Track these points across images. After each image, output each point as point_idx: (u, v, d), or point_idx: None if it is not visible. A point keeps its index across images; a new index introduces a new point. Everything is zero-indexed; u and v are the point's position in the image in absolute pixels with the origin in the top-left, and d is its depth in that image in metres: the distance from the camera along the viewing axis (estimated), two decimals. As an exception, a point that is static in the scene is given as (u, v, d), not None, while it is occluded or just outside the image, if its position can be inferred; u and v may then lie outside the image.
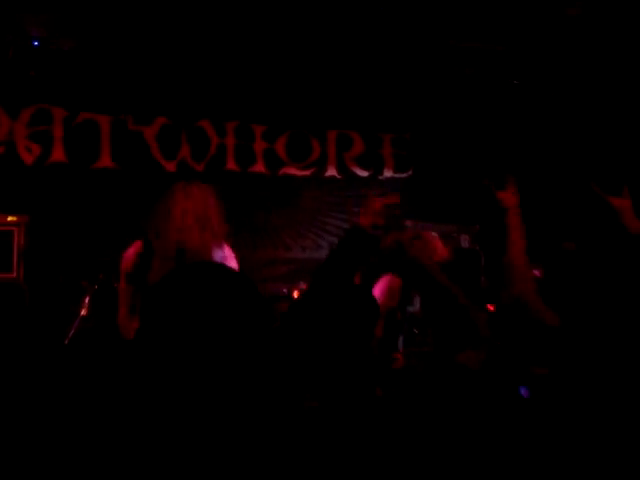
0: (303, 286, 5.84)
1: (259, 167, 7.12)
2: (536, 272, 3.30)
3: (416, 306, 4.29)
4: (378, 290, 4.26)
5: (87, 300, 5.70)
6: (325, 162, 7.30)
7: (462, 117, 7.27)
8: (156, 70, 6.54)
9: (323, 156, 7.30)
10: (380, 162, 7.44)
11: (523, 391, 2.95)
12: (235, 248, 5.23)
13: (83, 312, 5.70)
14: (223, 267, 2.12)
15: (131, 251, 3.56)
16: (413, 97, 7.16)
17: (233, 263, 3.64)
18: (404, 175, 7.48)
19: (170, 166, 6.83)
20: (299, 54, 6.43)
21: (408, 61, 6.59)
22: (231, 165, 7.04)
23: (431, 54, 6.46)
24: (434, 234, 4.33)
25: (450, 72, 6.69)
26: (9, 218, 6.02)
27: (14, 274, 6.00)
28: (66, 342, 5.50)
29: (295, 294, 5.94)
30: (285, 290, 6.05)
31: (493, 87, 7.00)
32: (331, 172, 7.32)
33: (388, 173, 7.45)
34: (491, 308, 6.12)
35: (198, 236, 3.37)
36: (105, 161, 6.64)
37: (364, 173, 7.40)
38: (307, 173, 7.26)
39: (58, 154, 6.51)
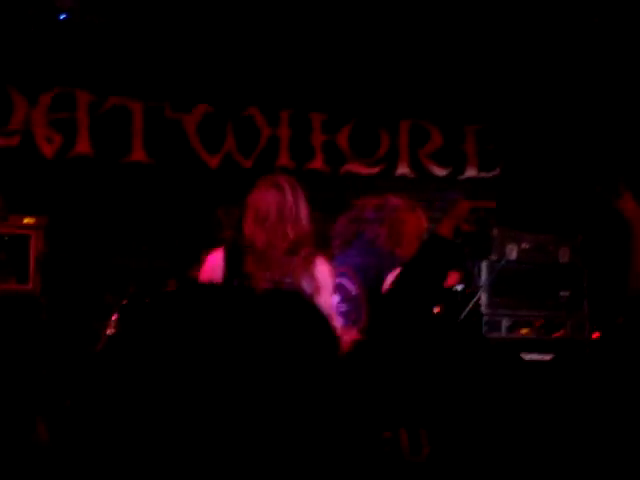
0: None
1: (317, 163, 6.66)
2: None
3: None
4: None
5: (114, 318, 5.41)
6: (396, 158, 6.81)
7: (564, 105, 6.68)
8: (198, 49, 6.16)
9: (393, 151, 6.80)
10: (462, 159, 6.91)
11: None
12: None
13: (109, 331, 5.44)
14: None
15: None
16: (503, 81, 6.62)
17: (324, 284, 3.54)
18: (490, 174, 6.95)
19: (213, 161, 6.43)
20: (366, 28, 6.00)
21: (498, 37, 6.10)
22: (284, 161, 6.59)
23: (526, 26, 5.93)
24: None
25: (550, 49, 6.15)
26: (25, 220, 5.77)
27: (30, 285, 5.64)
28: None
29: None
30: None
31: (604, 67, 6.33)
32: (402, 170, 6.82)
33: (471, 172, 6.91)
34: (596, 335, 5.40)
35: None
36: (137, 154, 6.27)
37: (442, 172, 6.88)
38: (374, 171, 6.75)
39: (83, 145, 6.15)
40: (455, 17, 5.84)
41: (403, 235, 3.98)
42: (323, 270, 3.52)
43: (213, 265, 3.62)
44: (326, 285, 3.51)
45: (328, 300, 3.51)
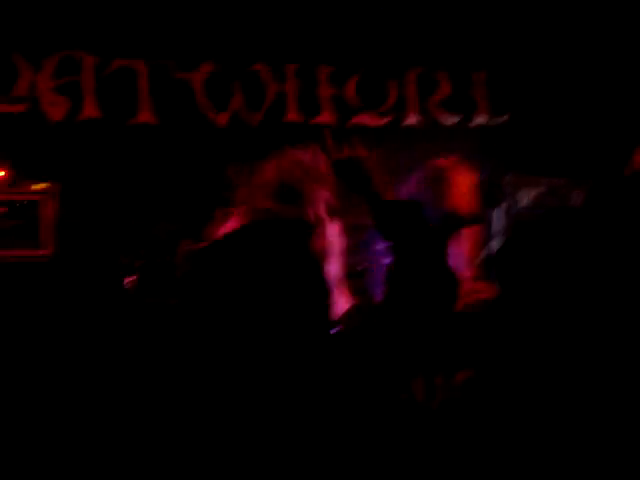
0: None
1: (325, 117, 6.53)
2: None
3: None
4: None
5: (130, 279, 5.42)
6: (404, 108, 6.68)
7: (573, 49, 6.56)
8: (200, 5, 6.04)
9: (401, 101, 6.67)
10: (472, 106, 6.78)
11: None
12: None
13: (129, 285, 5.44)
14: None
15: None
16: (510, 26, 6.50)
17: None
18: (501, 120, 6.82)
19: (221, 119, 6.33)
20: None
21: None
22: (292, 116, 6.48)
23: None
24: None
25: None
26: (36, 186, 5.77)
27: (44, 250, 5.71)
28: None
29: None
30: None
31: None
32: (411, 120, 6.70)
33: (481, 119, 6.78)
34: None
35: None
36: (144, 115, 6.16)
37: (452, 119, 6.75)
38: (382, 122, 6.63)
39: (90, 109, 6.04)
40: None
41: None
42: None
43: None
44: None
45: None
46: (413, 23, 6.40)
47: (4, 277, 5.45)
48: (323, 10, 6.25)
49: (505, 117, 6.82)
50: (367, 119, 6.58)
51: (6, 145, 5.70)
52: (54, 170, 5.78)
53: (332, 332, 3.21)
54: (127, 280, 5.37)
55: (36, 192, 5.70)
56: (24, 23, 5.79)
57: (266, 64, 6.38)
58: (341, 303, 3.40)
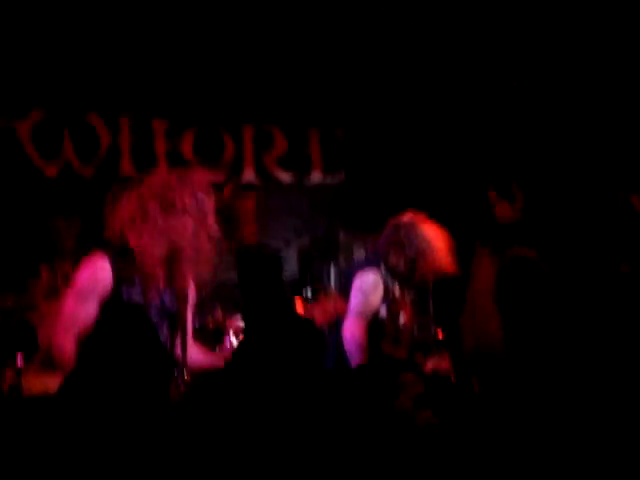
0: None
1: (160, 170, 6.34)
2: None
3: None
4: None
5: None
6: (241, 164, 6.75)
7: (405, 110, 6.77)
8: (29, 52, 5.87)
9: (238, 157, 6.74)
10: (307, 163, 6.92)
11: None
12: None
13: None
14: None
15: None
16: (345, 84, 6.65)
17: None
18: (335, 178, 6.97)
19: (50, 170, 6.18)
20: (202, 32, 5.92)
21: (338, 42, 6.11)
22: (127, 169, 6.40)
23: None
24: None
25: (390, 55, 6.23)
26: None
27: None
28: None
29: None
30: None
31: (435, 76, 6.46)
32: (248, 176, 6.75)
33: (316, 176, 6.92)
34: (440, 334, 5.55)
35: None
36: None
37: (287, 176, 6.86)
38: (220, 177, 6.56)
39: None
40: (289, 21, 5.82)
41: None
42: None
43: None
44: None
45: None
46: (249, 79, 6.45)
47: None
48: (160, 63, 6.23)
49: (340, 175, 6.97)
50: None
51: None
52: None
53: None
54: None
55: None
56: None
57: (99, 115, 6.31)
58: (195, 353, 3.38)
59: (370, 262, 4.33)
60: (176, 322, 3.16)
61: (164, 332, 3.17)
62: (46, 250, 5.89)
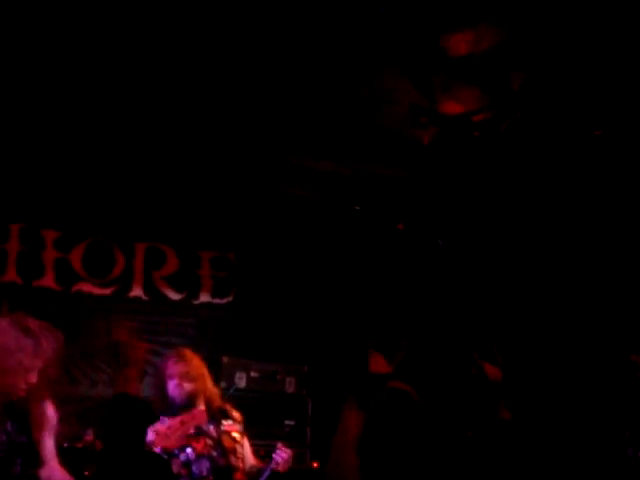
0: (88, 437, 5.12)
1: (48, 280, 6.48)
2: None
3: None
4: None
5: None
6: (130, 279, 6.77)
7: (295, 239, 7.01)
8: None
9: (128, 272, 6.77)
10: (196, 283, 6.98)
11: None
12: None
13: None
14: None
15: None
16: (239, 212, 6.87)
17: None
18: (224, 301, 7.04)
19: None
20: (103, 148, 6.03)
21: (233, 169, 6.34)
22: (12, 276, 6.36)
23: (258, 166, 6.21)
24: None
25: (286, 188, 6.46)
26: None
27: None
28: None
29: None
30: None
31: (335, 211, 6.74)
32: (137, 292, 6.78)
33: (205, 297, 6.97)
34: (316, 465, 5.70)
35: None
36: None
37: (176, 295, 6.90)
38: (107, 291, 6.67)
39: None
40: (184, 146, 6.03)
41: None
42: None
43: None
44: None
45: None
46: (145, 198, 6.57)
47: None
48: (53, 174, 6.29)
49: (229, 297, 7.03)
50: (91, 287, 6.57)
51: None
52: None
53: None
54: None
55: None
56: None
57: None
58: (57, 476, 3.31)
59: None
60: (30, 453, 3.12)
61: (16, 469, 3.08)
62: None
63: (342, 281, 6.80)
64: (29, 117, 5.73)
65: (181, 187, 6.60)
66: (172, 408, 4.63)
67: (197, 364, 4.84)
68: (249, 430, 5.05)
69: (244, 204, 6.80)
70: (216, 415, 4.75)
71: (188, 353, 4.91)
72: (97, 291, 6.61)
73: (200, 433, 4.59)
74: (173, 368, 4.76)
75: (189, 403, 4.64)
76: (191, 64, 5.14)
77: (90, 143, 6.06)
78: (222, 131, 5.98)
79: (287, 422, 6.15)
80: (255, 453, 5.01)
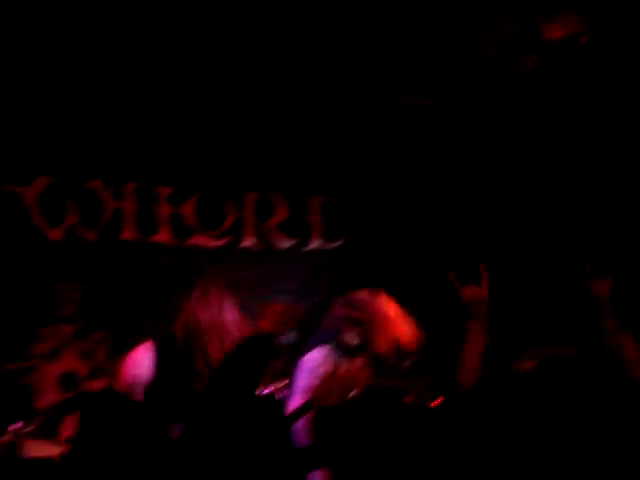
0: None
1: (163, 235, 6.68)
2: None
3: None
4: None
5: None
6: (242, 230, 6.92)
7: (402, 179, 6.97)
8: (34, 119, 6.12)
9: (239, 223, 6.92)
10: (307, 230, 7.08)
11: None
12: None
13: None
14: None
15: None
16: (345, 155, 6.87)
17: None
18: (335, 245, 7.14)
19: (55, 234, 6.36)
20: (208, 103, 6.19)
21: (336, 113, 6.38)
22: (129, 234, 6.59)
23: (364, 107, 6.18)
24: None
25: (390, 128, 6.45)
26: None
27: None
28: None
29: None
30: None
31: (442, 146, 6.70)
32: (248, 242, 6.93)
33: (316, 243, 7.09)
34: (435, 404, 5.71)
35: None
36: None
37: (288, 243, 7.02)
38: (220, 243, 6.84)
39: None
40: (290, 90, 6.11)
41: None
42: None
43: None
44: None
45: None
46: (252, 148, 6.66)
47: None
48: (164, 130, 6.43)
49: (339, 242, 7.11)
50: (204, 240, 6.76)
51: None
52: None
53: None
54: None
55: None
56: None
57: (103, 181, 6.51)
58: None
59: (318, 340, 4.36)
60: None
61: None
62: (47, 314, 6.09)
63: (449, 221, 6.82)
64: (137, 75, 5.96)
65: (286, 135, 6.65)
66: None
67: None
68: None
69: (349, 146, 6.80)
70: None
71: None
72: (211, 243, 6.79)
73: None
74: None
75: None
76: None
77: (194, 100, 6.25)
78: (324, 75, 6.04)
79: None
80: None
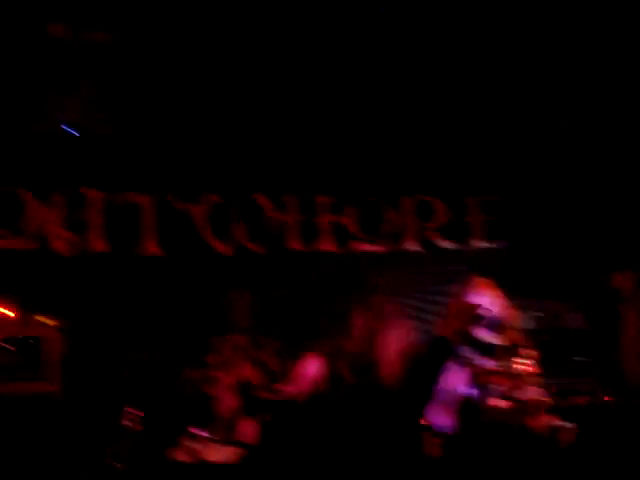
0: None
1: (326, 244, 6.86)
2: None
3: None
4: None
5: (129, 409, 5.60)
6: (403, 234, 7.02)
7: (564, 176, 6.90)
8: (201, 143, 6.47)
9: (400, 227, 7.02)
10: (467, 230, 7.10)
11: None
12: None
13: (125, 422, 5.62)
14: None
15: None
16: (501, 153, 6.87)
17: None
18: (495, 245, 7.11)
19: (224, 248, 6.65)
20: (362, 113, 6.37)
21: (490, 112, 6.42)
22: (294, 243, 6.82)
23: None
24: None
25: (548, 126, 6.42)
26: (45, 321, 5.96)
27: (51, 385, 5.88)
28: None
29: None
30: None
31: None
32: (410, 245, 7.02)
33: (477, 243, 7.10)
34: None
35: None
36: (150, 247, 6.48)
37: (449, 245, 7.07)
38: (382, 248, 6.96)
39: (96, 243, 6.36)
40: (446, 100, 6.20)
41: None
42: None
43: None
44: None
45: None
46: (407, 152, 6.75)
47: (11, 410, 5.64)
48: (316, 143, 6.63)
49: (500, 242, 7.08)
50: (366, 246, 6.88)
51: (16, 283, 5.92)
52: (61, 305, 5.97)
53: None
54: (129, 414, 5.58)
55: (43, 328, 5.88)
56: (30, 159, 6.11)
57: (266, 195, 6.74)
58: None
59: None
60: None
61: None
62: (222, 325, 6.37)
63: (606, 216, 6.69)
64: (297, 94, 6.26)
65: (443, 138, 6.72)
66: None
67: None
68: (541, 368, 5.10)
69: (505, 146, 6.80)
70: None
71: None
72: (372, 248, 6.91)
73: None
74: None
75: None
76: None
77: (351, 112, 6.48)
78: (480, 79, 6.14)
79: (576, 358, 6.12)
80: (547, 390, 5.11)
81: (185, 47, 5.86)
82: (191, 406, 5.65)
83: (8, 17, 5.60)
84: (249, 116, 6.33)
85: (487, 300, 4.82)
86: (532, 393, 4.75)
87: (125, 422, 5.51)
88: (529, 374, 4.83)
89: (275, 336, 6.32)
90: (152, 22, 5.65)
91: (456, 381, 4.27)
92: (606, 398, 5.57)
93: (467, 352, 4.45)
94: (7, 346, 5.83)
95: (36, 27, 5.69)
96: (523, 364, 4.83)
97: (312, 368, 3.76)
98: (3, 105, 5.85)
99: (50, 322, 5.84)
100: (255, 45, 5.97)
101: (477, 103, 6.49)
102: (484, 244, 7.10)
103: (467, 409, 4.27)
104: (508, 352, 4.73)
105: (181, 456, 4.91)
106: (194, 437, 5.06)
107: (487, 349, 4.57)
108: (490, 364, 4.35)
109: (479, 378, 4.37)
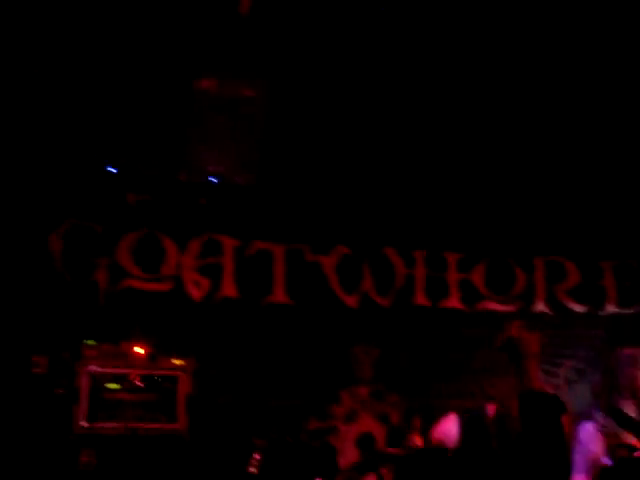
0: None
1: (453, 301, 6.82)
2: None
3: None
4: None
5: (257, 457, 5.66)
6: (532, 295, 6.92)
7: None
8: (335, 195, 6.59)
9: (530, 288, 6.92)
10: (601, 295, 6.94)
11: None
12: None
13: (252, 470, 5.69)
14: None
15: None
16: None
17: None
18: (630, 310, 6.93)
19: (351, 300, 6.69)
20: (494, 169, 6.37)
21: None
22: (421, 299, 6.80)
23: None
24: None
25: None
26: (175, 362, 6.13)
27: (178, 424, 6.08)
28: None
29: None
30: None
31: None
32: (540, 307, 6.91)
33: (611, 308, 6.93)
34: None
35: None
36: (279, 295, 6.56)
37: (580, 308, 6.93)
38: (511, 308, 6.87)
39: (228, 288, 6.49)
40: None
41: None
42: None
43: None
44: None
45: None
46: (541, 213, 6.72)
47: (141, 448, 5.83)
48: (449, 199, 6.68)
49: (636, 307, 6.92)
50: (495, 305, 6.84)
51: (150, 322, 6.13)
52: (191, 347, 6.17)
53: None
54: (253, 460, 5.65)
55: (174, 368, 6.12)
56: (171, 208, 6.37)
57: (395, 249, 6.77)
58: None
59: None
60: None
61: None
62: (345, 377, 6.41)
63: None
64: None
65: (575, 198, 6.66)
66: None
67: None
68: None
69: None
70: None
71: None
72: (501, 308, 6.84)
73: None
74: None
75: None
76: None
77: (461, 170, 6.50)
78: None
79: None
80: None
81: (326, 106, 6.00)
82: (315, 457, 5.69)
83: (156, 71, 5.86)
84: (384, 172, 6.42)
85: None
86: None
87: (251, 469, 5.60)
88: None
89: (397, 390, 6.36)
90: (297, 76, 5.81)
91: (599, 450, 4.19)
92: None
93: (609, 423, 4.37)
94: (137, 382, 6.05)
95: (183, 81, 5.93)
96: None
97: (450, 427, 3.77)
98: (151, 155, 6.10)
99: (179, 362, 6.05)
100: (392, 98, 6.07)
101: (615, 168, 6.40)
102: (619, 309, 6.96)
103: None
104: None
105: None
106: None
107: (631, 424, 4.47)
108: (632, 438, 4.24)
109: (618, 451, 4.27)
